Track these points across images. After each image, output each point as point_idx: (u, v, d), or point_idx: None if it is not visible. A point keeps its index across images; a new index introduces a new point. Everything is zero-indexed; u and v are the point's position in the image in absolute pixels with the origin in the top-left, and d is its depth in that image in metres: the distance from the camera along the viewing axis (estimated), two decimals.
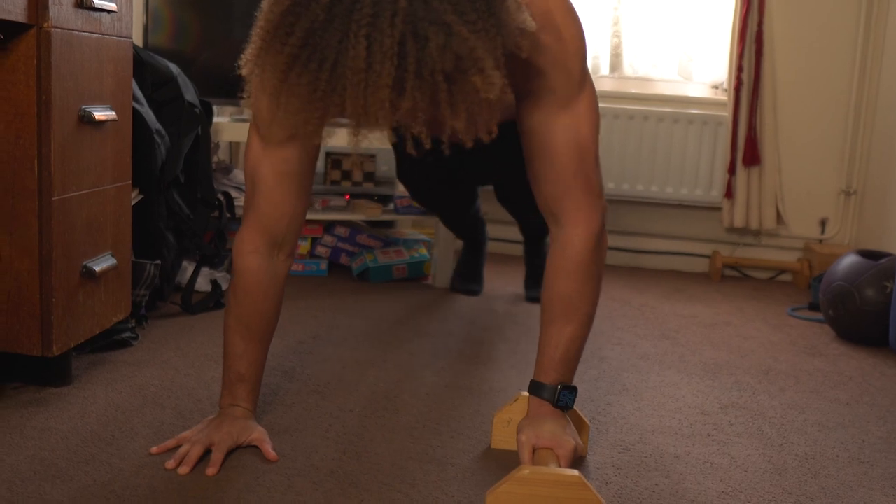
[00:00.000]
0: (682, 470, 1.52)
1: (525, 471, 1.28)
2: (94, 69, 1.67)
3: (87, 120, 1.64)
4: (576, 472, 1.27)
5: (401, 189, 3.10)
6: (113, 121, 1.74)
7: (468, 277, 2.73)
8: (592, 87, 1.41)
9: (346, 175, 2.96)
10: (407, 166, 2.44)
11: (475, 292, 2.71)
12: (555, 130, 1.37)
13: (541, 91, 1.35)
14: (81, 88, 1.63)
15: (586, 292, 1.45)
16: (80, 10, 1.60)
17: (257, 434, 1.46)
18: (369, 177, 2.98)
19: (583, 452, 1.52)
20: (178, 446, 1.43)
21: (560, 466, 1.36)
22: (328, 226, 2.89)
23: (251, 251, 1.46)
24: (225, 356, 1.51)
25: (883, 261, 2.43)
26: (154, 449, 1.43)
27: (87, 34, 1.63)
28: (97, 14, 1.66)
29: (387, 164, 3.35)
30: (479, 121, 1.11)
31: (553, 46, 1.32)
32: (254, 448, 1.46)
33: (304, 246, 2.86)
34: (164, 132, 2.12)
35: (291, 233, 1.46)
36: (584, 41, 1.37)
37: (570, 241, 1.42)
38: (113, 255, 1.79)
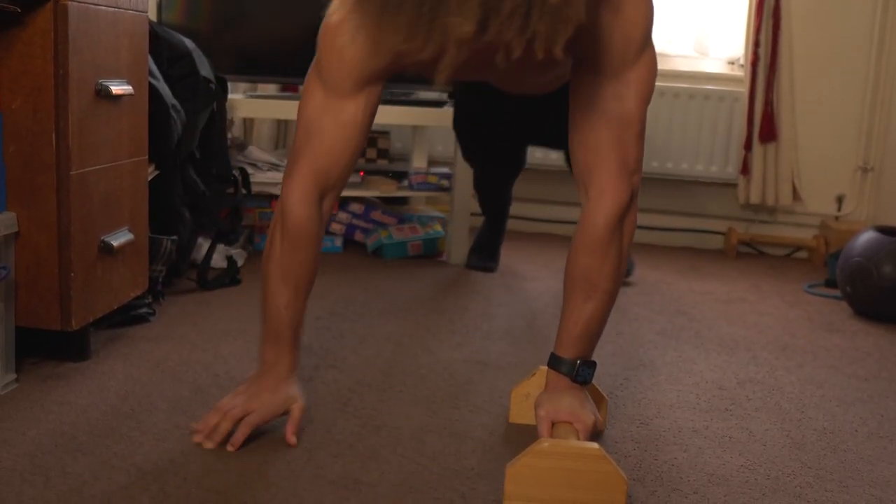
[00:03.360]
0: (701, 444, 1.52)
1: (545, 444, 1.28)
2: (111, 43, 1.67)
3: (104, 94, 1.63)
4: (595, 445, 1.27)
5: (415, 165, 3.10)
6: (129, 95, 1.73)
7: (484, 254, 2.73)
8: (652, 59, 1.37)
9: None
10: (464, 115, 2.45)
11: (491, 269, 2.71)
12: (600, 97, 1.35)
13: (594, 55, 1.32)
14: (98, 62, 1.62)
15: (606, 269, 1.43)
16: None
17: (292, 409, 1.45)
18: (383, 153, 2.97)
19: (601, 427, 1.52)
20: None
21: (579, 440, 1.36)
22: (343, 202, 2.89)
23: (302, 200, 1.43)
24: (267, 307, 1.47)
25: None
26: (195, 425, 1.42)
27: (103, 8, 1.62)
28: None
29: (401, 142, 3.34)
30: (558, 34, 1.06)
31: (611, 15, 1.29)
32: (278, 420, 1.45)
33: None
34: (179, 107, 2.11)
35: (342, 180, 1.47)
36: (648, 13, 1.34)
37: (593, 217, 1.40)
38: (130, 230, 1.79)
